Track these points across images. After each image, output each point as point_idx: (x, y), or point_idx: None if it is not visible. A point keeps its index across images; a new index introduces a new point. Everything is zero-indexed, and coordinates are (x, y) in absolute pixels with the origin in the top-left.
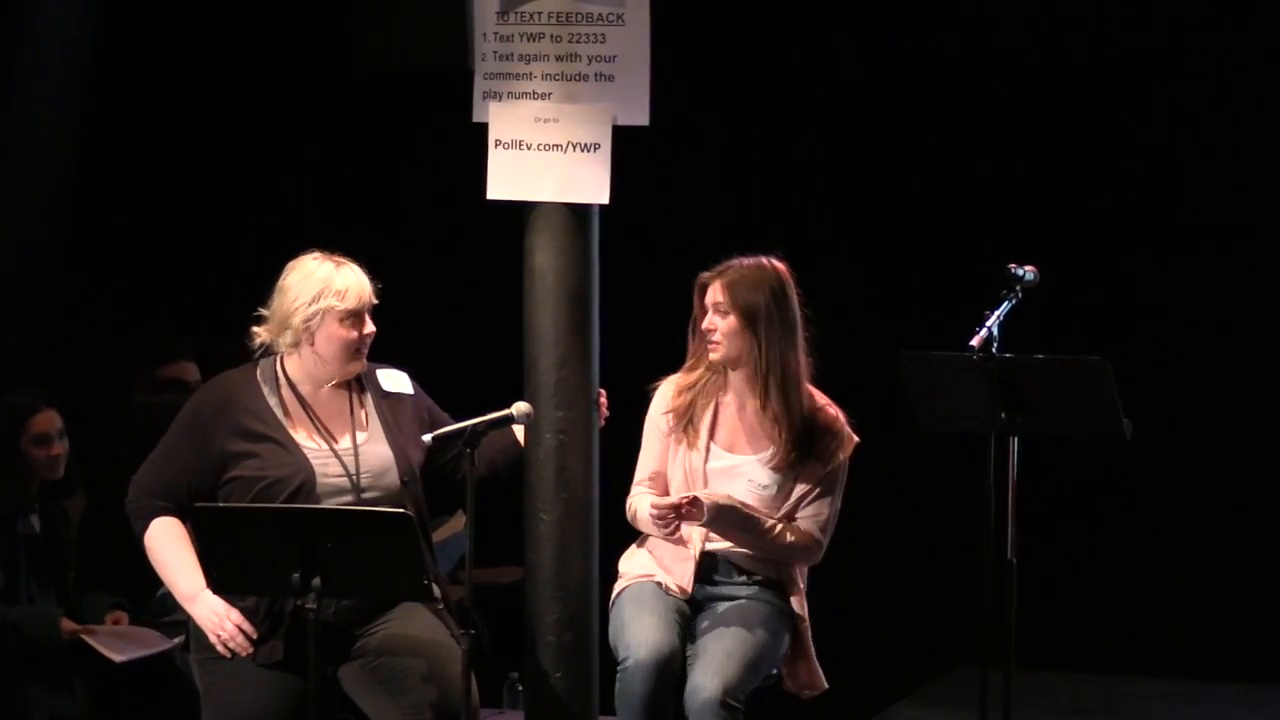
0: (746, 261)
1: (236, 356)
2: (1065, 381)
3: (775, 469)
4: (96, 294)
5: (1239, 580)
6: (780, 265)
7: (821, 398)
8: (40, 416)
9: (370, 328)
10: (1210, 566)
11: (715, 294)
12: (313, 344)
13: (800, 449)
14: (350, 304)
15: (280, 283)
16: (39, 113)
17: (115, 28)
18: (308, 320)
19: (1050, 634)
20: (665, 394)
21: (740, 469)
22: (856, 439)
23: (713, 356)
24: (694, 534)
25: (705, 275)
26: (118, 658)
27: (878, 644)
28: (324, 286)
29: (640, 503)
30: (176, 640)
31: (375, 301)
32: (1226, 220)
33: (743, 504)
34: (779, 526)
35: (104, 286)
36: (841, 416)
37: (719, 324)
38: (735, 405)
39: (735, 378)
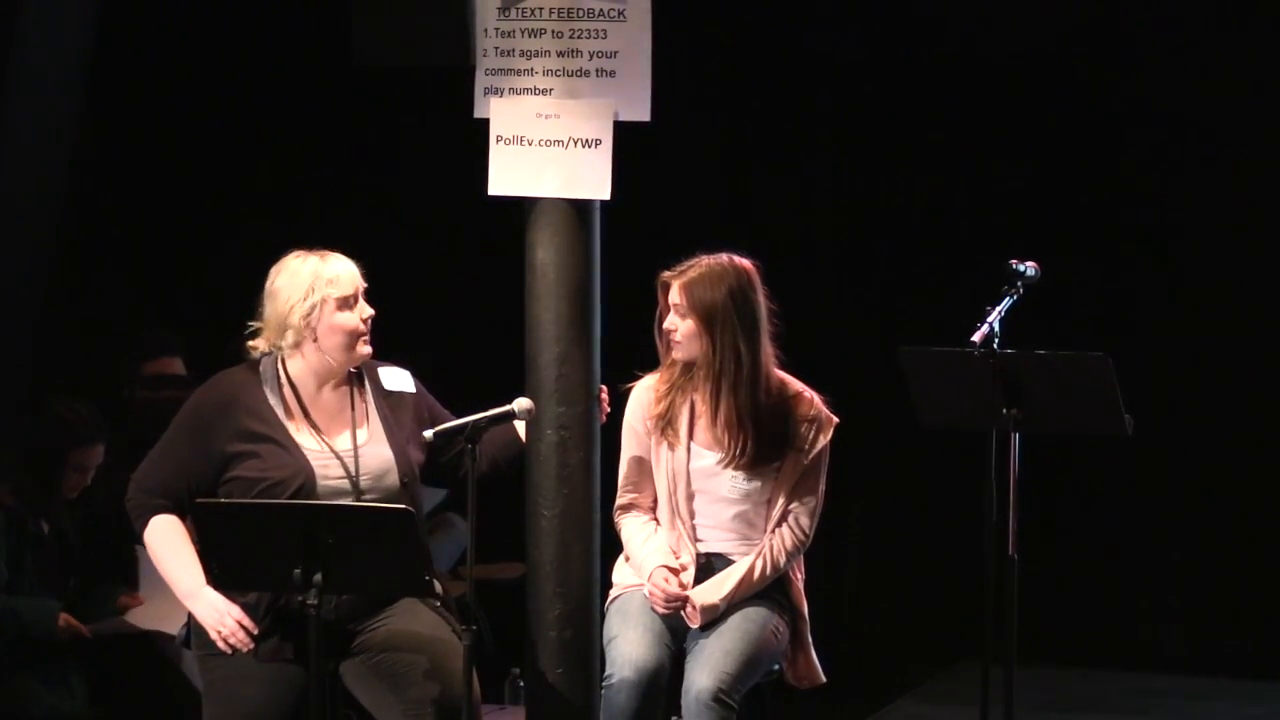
0: (708, 260)
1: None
2: (1067, 377)
3: (739, 469)
4: (93, 290)
5: (1240, 576)
6: (743, 262)
7: (795, 384)
8: (92, 450)
9: (369, 310)
10: (1211, 562)
11: (675, 295)
12: (316, 339)
13: (771, 444)
14: (344, 289)
15: (268, 288)
16: (36, 110)
17: (112, 24)
18: (307, 316)
19: (1052, 630)
20: (640, 398)
21: (720, 467)
22: (836, 419)
23: (675, 356)
24: (685, 539)
25: (666, 274)
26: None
27: (879, 640)
28: (314, 279)
29: (629, 534)
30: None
31: (365, 284)
32: (1227, 216)
33: (723, 580)
34: (763, 563)
35: (100, 283)
36: (817, 399)
37: (679, 325)
38: (703, 404)
39: (699, 377)
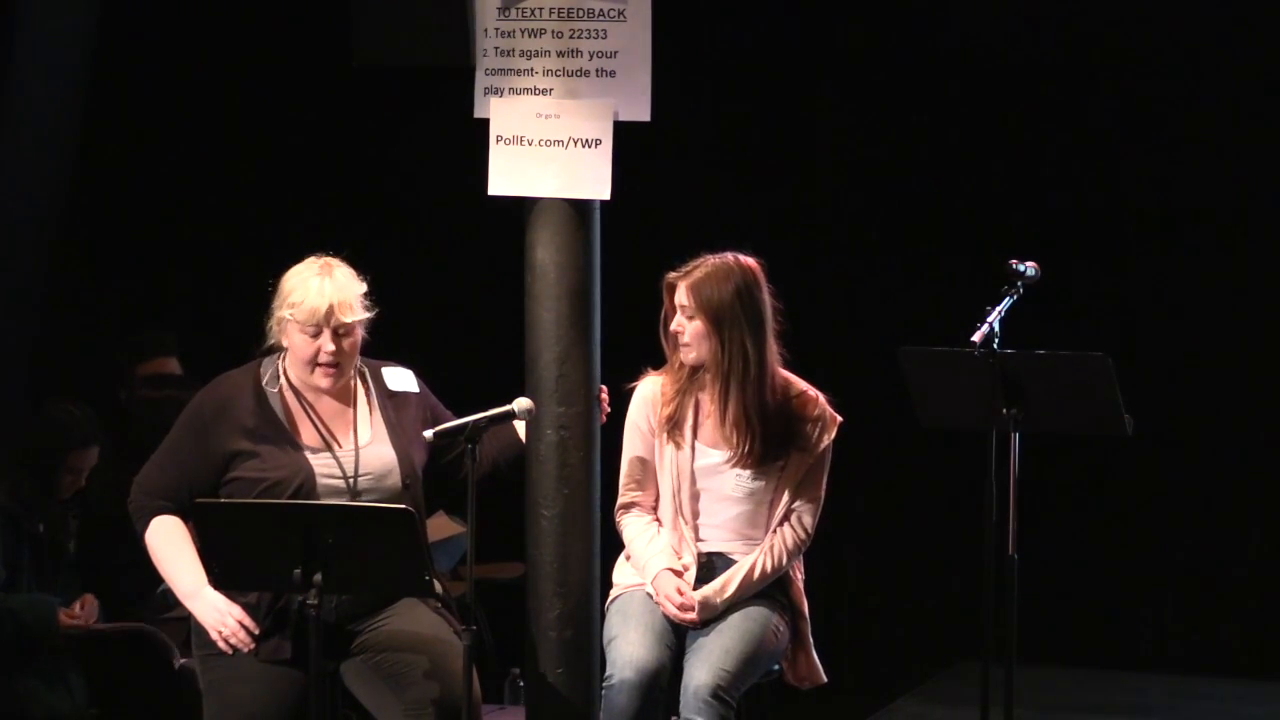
0: (713, 260)
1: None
2: (1066, 377)
3: (746, 468)
4: (91, 291)
5: (1239, 576)
6: (748, 261)
7: (799, 384)
8: (87, 452)
9: (329, 347)
10: (1211, 562)
11: (681, 296)
12: (286, 349)
13: (776, 443)
14: (301, 317)
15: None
16: (36, 111)
17: (112, 25)
18: (277, 325)
19: (1052, 629)
20: (645, 397)
21: (725, 466)
22: (840, 419)
23: (683, 358)
24: (688, 539)
25: (672, 275)
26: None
27: (880, 639)
28: (287, 294)
29: (631, 533)
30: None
31: (344, 320)
32: (1228, 217)
33: (725, 581)
34: (766, 562)
35: (99, 284)
36: (821, 398)
37: (686, 326)
38: (711, 404)
39: (707, 377)
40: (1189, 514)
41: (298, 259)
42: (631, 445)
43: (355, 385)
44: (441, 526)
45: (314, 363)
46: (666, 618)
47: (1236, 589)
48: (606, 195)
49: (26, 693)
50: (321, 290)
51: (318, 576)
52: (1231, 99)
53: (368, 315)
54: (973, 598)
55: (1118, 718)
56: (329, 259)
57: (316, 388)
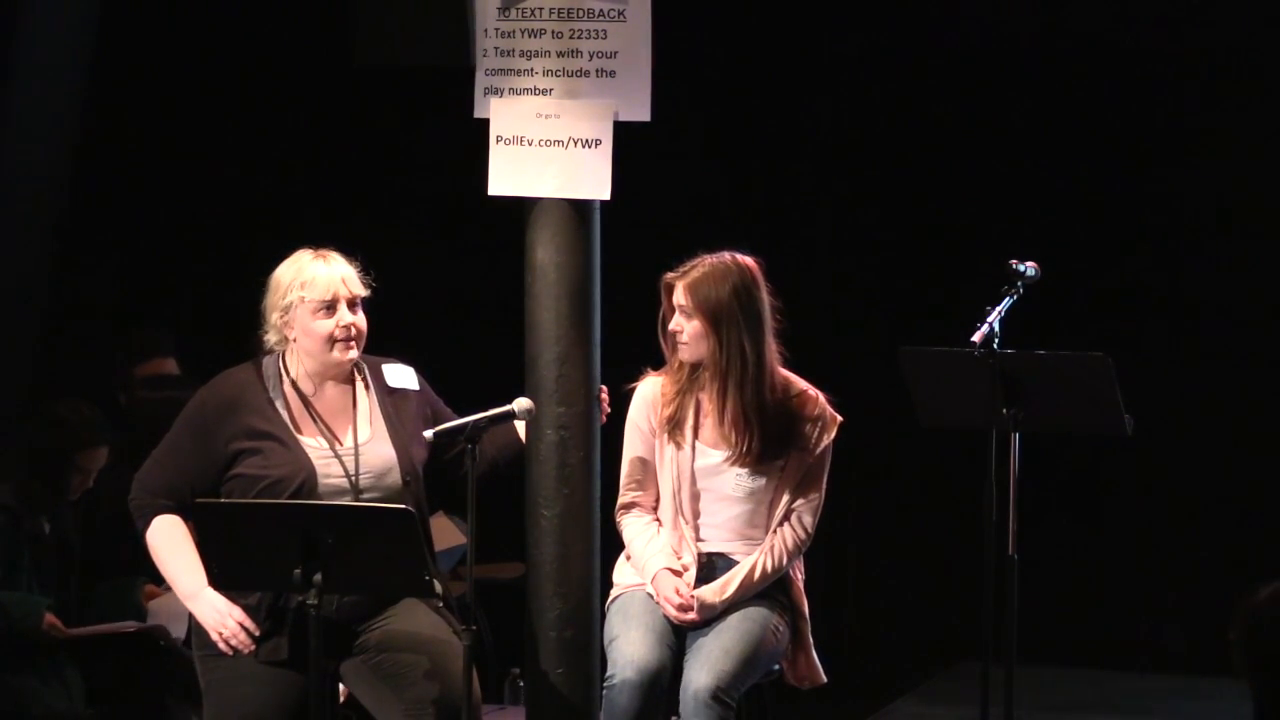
0: (710, 259)
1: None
2: (1067, 377)
3: (745, 466)
4: (92, 291)
5: (1239, 576)
6: (746, 260)
7: (800, 383)
8: (96, 452)
9: (350, 318)
10: (1210, 562)
11: (679, 296)
12: (295, 340)
13: (776, 442)
14: (318, 294)
15: (269, 281)
16: (36, 108)
17: (112, 23)
18: (284, 316)
19: (1052, 630)
20: (645, 397)
21: (725, 465)
22: (840, 419)
23: (682, 357)
24: (688, 539)
25: (670, 275)
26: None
27: (879, 639)
28: (293, 280)
29: (632, 533)
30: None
31: (357, 293)
32: (1227, 217)
33: (725, 581)
34: (766, 562)
35: (100, 283)
36: (822, 398)
37: (684, 326)
38: (710, 403)
39: (706, 376)
40: (1189, 514)
41: None
42: (632, 445)
43: (355, 382)
44: (443, 534)
45: (333, 340)
46: (667, 618)
47: (1236, 589)
48: (606, 195)
49: (23, 691)
50: (329, 268)
51: (318, 576)
52: (1232, 98)
53: (368, 292)
54: (973, 598)
55: (1118, 718)
56: (317, 249)
57: (336, 366)
